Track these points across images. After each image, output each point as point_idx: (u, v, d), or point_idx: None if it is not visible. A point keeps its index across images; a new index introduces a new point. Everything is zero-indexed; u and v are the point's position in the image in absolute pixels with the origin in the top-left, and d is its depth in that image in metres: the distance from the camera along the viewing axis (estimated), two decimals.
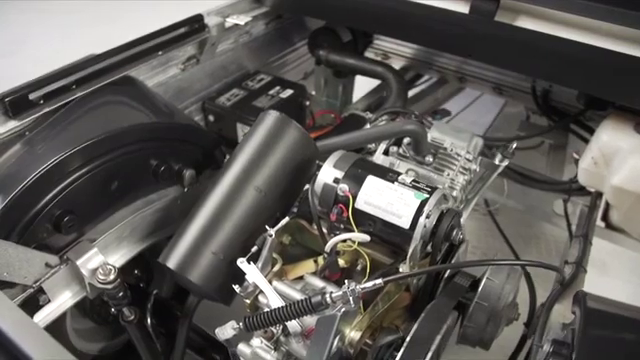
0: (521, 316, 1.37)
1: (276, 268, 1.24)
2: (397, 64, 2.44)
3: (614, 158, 1.48)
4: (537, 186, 1.80)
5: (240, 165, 1.30)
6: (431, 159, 1.49)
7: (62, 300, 1.22)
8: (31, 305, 1.15)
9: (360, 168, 1.22)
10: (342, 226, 1.23)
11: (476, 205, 2.38)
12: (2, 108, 1.25)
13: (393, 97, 1.84)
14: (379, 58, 2.43)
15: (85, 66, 1.37)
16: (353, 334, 1.10)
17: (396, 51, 2.39)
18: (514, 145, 1.50)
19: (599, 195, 1.63)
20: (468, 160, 1.52)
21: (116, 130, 1.26)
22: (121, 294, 1.21)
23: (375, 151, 1.56)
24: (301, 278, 1.25)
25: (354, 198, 1.19)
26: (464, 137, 1.55)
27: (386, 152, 1.54)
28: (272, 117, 1.34)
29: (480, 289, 1.30)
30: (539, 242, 2.21)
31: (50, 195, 1.15)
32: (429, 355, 1.03)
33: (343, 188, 1.18)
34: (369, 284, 1.00)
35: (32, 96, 1.28)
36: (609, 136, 1.49)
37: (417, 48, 2.32)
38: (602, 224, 1.77)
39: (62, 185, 1.17)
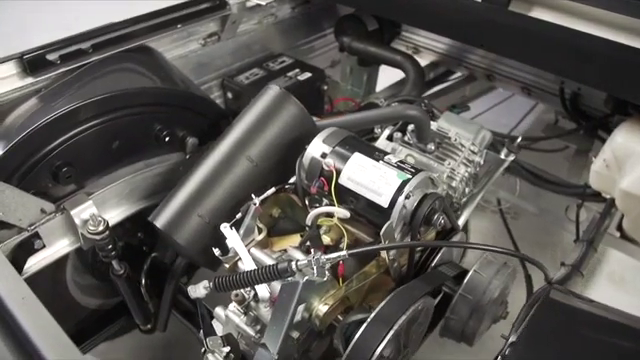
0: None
1: (260, 237, 1.26)
2: (427, 59, 2.42)
3: (627, 162, 1.41)
4: (550, 188, 1.73)
5: (235, 135, 1.33)
6: (433, 147, 1.47)
7: (57, 247, 1.29)
8: (26, 248, 1.22)
9: (348, 145, 1.22)
10: (326, 201, 1.24)
11: (494, 207, 2.34)
12: (21, 65, 1.33)
13: (409, 86, 1.83)
14: (410, 51, 2.42)
15: (103, 32, 1.44)
16: (321, 307, 1.10)
17: (427, 45, 2.36)
18: (519, 139, 1.45)
19: (614, 202, 1.56)
20: (473, 152, 1.49)
21: (122, 90, 1.32)
22: (110, 247, 1.26)
23: (380, 136, 1.55)
24: (286, 251, 1.27)
25: (338, 174, 1.19)
26: (471, 129, 1.52)
27: (390, 138, 1.53)
28: (272, 91, 1.37)
29: (465, 281, 1.27)
30: (555, 250, 2.13)
31: (52, 145, 1.22)
32: (390, 333, 1.02)
33: (328, 162, 1.19)
34: (333, 255, 1.01)
35: (50, 56, 1.36)
36: (624, 138, 1.42)
37: (448, 43, 2.28)
38: (617, 233, 1.70)
39: (64, 137, 1.23)
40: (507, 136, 1.59)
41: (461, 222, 1.56)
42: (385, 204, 1.14)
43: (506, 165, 1.52)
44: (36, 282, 1.38)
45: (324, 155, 1.22)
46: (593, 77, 1.35)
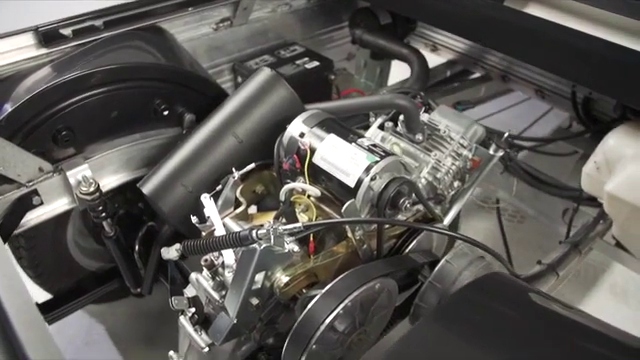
0: None
1: (238, 210, 1.32)
2: (445, 56, 2.42)
3: (616, 165, 1.38)
4: (546, 189, 1.71)
5: (225, 112, 1.40)
6: (421, 137, 1.49)
7: (55, 206, 1.39)
8: (25, 203, 1.32)
9: (326, 127, 1.27)
10: (302, 180, 1.28)
11: (502, 210, 2.32)
12: (37, 37, 1.44)
13: (412, 79, 1.85)
14: (428, 49, 2.43)
15: (116, 11, 1.54)
16: (283, 277, 1.15)
17: (444, 43, 2.37)
18: (506, 134, 1.45)
19: None
20: (462, 145, 1.50)
21: (125, 63, 1.41)
22: (100, 208, 1.35)
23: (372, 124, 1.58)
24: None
25: (313, 153, 1.23)
26: (463, 123, 1.53)
27: (382, 127, 1.56)
28: (264, 73, 1.42)
29: (436, 269, 1.29)
30: None
31: (54, 109, 1.31)
32: (340, 307, 1.05)
33: (304, 142, 1.24)
34: (289, 226, 1.06)
35: (63, 31, 1.46)
36: (616, 141, 1.40)
37: (465, 42, 2.28)
38: (613, 241, 1.66)
39: (66, 103, 1.32)
40: (500, 133, 1.58)
41: (450, 216, 1.58)
42: (352, 184, 1.17)
43: (495, 161, 1.52)
44: (35, 237, 1.50)
45: (302, 135, 1.27)
46: (584, 75, 1.34)
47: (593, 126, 1.92)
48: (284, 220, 1.27)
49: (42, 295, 1.67)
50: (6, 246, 0.93)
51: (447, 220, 1.55)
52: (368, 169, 1.16)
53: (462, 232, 1.85)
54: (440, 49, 2.40)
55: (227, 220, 1.26)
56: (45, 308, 1.56)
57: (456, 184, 1.52)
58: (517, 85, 2.21)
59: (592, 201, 1.61)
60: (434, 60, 2.47)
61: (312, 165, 1.23)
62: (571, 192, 1.64)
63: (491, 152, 1.52)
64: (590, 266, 2.06)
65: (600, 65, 1.31)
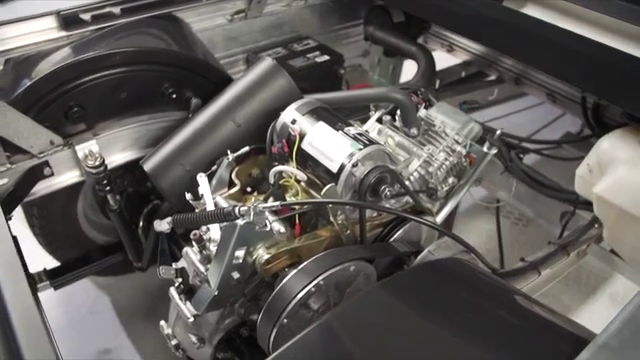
0: None
1: (232, 190, 1.39)
2: (461, 58, 2.44)
3: (608, 168, 1.38)
4: (544, 191, 1.71)
5: (226, 98, 1.47)
6: (416, 132, 1.52)
7: (64, 177, 1.48)
8: (36, 172, 1.42)
9: (316, 115, 1.32)
10: (294, 165, 1.33)
11: (507, 212, 2.31)
12: (58, 20, 1.54)
13: (417, 76, 1.87)
14: (444, 49, 2.45)
15: None
16: (264, 255, 1.20)
17: (460, 44, 2.38)
18: (498, 132, 1.46)
19: None
20: (456, 142, 1.52)
21: (136, 47, 1.50)
22: (105, 182, 1.44)
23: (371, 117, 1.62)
24: None
25: (302, 139, 1.29)
26: (459, 119, 1.55)
27: (380, 120, 1.60)
28: (265, 63, 1.49)
29: (417, 259, 1.32)
30: None
31: (67, 87, 1.41)
32: (312, 284, 1.10)
33: (294, 128, 1.29)
34: (269, 204, 1.11)
35: (83, 16, 1.56)
36: (610, 144, 1.40)
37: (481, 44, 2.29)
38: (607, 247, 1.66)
39: (79, 82, 1.42)
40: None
41: (445, 212, 1.60)
42: (335, 169, 1.22)
43: (489, 158, 1.53)
44: (47, 207, 1.60)
45: (294, 121, 1.32)
46: (578, 77, 1.35)
47: (603, 131, 1.90)
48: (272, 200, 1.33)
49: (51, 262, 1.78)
50: (4, 218, 1.02)
51: (442, 215, 1.57)
52: (351, 156, 1.21)
53: (462, 231, 1.87)
54: (456, 50, 2.42)
55: (219, 199, 1.33)
56: (52, 274, 1.66)
57: (450, 180, 1.54)
58: (530, 89, 2.21)
59: (589, 205, 1.60)
60: (450, 60, 2.49)
61: (300, 150, 1.29)
62: (568, 195, 1.64)
63: (485, 150, 1.54)
64: (592, 273, 2.04)
65: (595, 67, 1.31)
